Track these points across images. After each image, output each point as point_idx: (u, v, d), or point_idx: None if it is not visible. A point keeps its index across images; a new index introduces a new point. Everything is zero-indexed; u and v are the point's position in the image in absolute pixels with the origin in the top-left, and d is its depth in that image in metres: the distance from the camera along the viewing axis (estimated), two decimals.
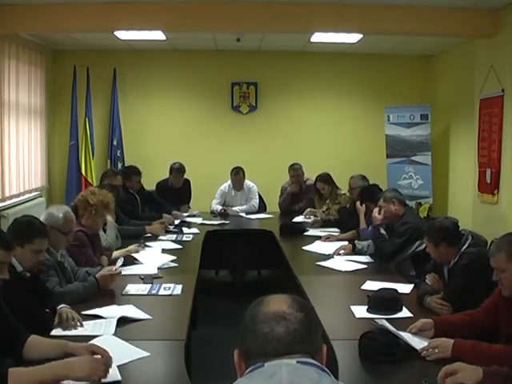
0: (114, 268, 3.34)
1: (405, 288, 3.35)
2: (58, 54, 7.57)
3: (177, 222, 5.77)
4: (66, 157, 7.43)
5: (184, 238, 5.07)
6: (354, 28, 5.72)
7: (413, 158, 7.22)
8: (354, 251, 4.35)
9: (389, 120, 7.47)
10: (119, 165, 7.46)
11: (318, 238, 4.97)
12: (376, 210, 4.30)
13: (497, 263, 2.36)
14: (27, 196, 6.69)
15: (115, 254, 4.06)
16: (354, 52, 7.52)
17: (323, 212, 5.91)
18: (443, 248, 3.03)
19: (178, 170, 6.38)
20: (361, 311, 2.94)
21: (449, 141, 7.19)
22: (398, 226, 4.14)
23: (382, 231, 4.24)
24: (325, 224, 5.64)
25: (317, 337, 1.23)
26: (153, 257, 4.12)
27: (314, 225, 5.64)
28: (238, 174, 6.48)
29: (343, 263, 4.09)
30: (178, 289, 3.32)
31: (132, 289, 3.30)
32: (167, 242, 4.86)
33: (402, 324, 2.60)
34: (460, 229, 3.14)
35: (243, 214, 6.43)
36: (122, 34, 6.23)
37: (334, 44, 6.89)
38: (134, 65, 7.69)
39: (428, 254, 3.20)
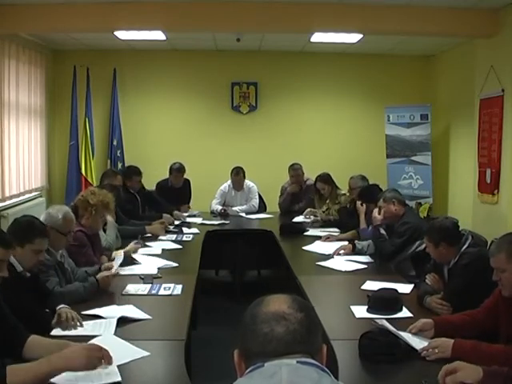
0: (114, 269, 3.34)
1: (405, 288, 3.35)
2: (57, 54, 7.57)
3: (177, 222, 5.78)
4: (66, 157, 7.43)
5: (184, 238, 5.07)
6: (353, 28, 5.72)
7: (413, 158, 7.22)
8: (354, 251, 4.35)
9: (389, 120, 7.48)
10: (119, 165, 7.46)
11: (318, 237, 4.97)
12: (376, 210, 4.30)
13: (497, 263, 2.36)
14: (27, 196, 6.69)
15: (115, 254, 4.05)
16: (354, 52, 7.52)
17: (323, 212, 5.91)
18: (443, 248, 3.03)
19: (177, 170, 6.38)
20: (361, 311, 2.94)
21: (449, 141, 7.20)
22: (398, 226, 4.14)
23: (382, 231, 4.24)
24: (325, 224, 5.64)
25: (317, 337, 1.23)
26: (150, 260, 4.09)
27: (313, 224, 5.65)
28: (238, 175, 6.48)
29: (343, 263, 4.09)
30: (177, 289, 3.31)
31: (132, 289, 3.30)
32: (167, 241, 4.86)
33: (402, 324, 2.60)
34: (460, 229, 3.14)
35: (243, 214, 6.43)
36: (122, 34, 6.23)
37: (334, 44, 6.89)
38: (134, 65, 7.69)
39: (428, 254, 3.20)
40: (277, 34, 6.54)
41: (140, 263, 3.94)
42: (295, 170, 6.47)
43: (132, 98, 7.74)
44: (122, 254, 3.75)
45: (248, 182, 6.62)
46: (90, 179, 7.33)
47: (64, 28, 5.64)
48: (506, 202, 5.34)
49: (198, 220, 6.08)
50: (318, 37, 6.41)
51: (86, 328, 2.60)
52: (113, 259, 3.80)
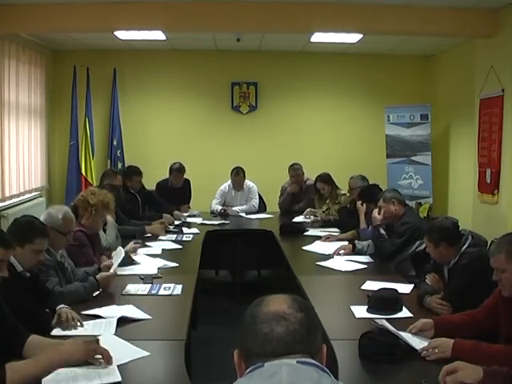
0: (113, 268, 3.34)
1: (405, 288, 3.35)
2: (57, 54, 7.57)
3: (177, 222, 5.78)
4: (66, 157, 7.43)
5: (184, 238, 5.07)
6: (354, 28, 5.72)
7: (413, 158, 7.22)
8: (354, 251, 4.35)
9: (389, 120, 7.48)
10: (119, 165, 7.46)
11: (318, 238, 4.97)
12: (376, 210, 4.30)
13: (497, 263, 2.36)
14: (27, 196, 6.69)
15: (114, 254, 4.05)
16: (354, 52, 7.52)
17: (323, 212, 5.91)
18: (443, 248, 3.03)
19: (177, 170, 6.38)
20: (361, 311, 2.94)
21: (449, 141, 7.20)
22: (398, 226, 4.14)
23: (382, 231, 4.24)
24: (325, 224, 5.64)
25: (317, 337, 1.23)
26: (150, 260, 4.08)
27: (313, 224, 5.65)
28: (238, 175, 6.48)
29: (343, 263, 4.09)
30: (177, 289, 3.31)
31: (132, 289, 3.30)
32: (167, 241, 4.86)
33: (402, 324, 2.60)
34: (460, 229, 3.14)
35: (243, 214, 6.43)
36: (122, 34, 6.23)
37: (334, 44, 6.89)
38: (134, 65, 7.69)
39: (428, 254, 3.20)
40: (277, 34, 6.54)
41: (139, 263, 3.93)
42: (295, 170, 6.47)
43: (132, 98, 7.74)
44: (122, 250, 3.70)
45: (248, 182, 6.62)
46: (90, 179, 7.33)
47: (64, 28, 5.64)
48: (506, 202, 5.34)
49: (198, 220, 6.08)
50: (318, 37, 6.41)
51: (86, 328, 2.60)
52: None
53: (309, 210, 6.05)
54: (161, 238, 4.98)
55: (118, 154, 7.56)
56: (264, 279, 6.42)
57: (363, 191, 5.01)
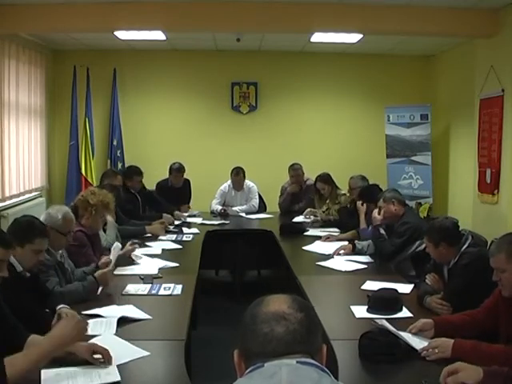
0: (110, 265, 3.33)
1: (405, 288, 3.35)
2: (57, 54, 7.57)
3: (177, 222, 5.78)
4: (66, 157, 7.43)
5: (184, 238, 5.07)
6: (354, 28, 5.72)
7: (413, 158, 7.22)
8: (354, 251, 4.35)
9: (389, 120, 7.47)
10: (119, 165, 7.46)
11: (318, 238, 4.97)
12: (376, 210, 4.30)
13: (497, 263, 2.36)
14: (27, 196, 6.69)
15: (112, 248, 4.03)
16: (354, 52, 7.52)
17: (323, 212, 5.91)
18: (443, 248, 3.03)
19: (177, 169, 6.38)
20: (361, 311, 2.94)
21: (449, 141, 7.19)
22: (398, 226, 4.14)
23: (382, 231, 4.24)
24: (325, 224, 5.64)
25: (317, 337, 1.23)
26: (150, 261, 4.07)
27: (313, 224, 5.65)
28: (238, 175, 6.48)
29: (343, 263, 4.09)
30: (177, 289, 3.32)
31: (132, 289, 3.30)
32: (167, 241, 4.86)
33: (402, 324, 2.60)
34: (460, 229, 3.14)
35: (243, 214, 6.43)
36: (122, 34, 6.23)
37: (334, 44, 6.89)
38: (134, 65, 7.69)
39: (428, 254, 3.20)
40: (277, 34, 6.54)
41: (139, 263, 3.93)
42: (295, 170, 6.47)
43: (132, 98, 7.74)
44: (119, 245, 3.68)
45: (248, 182, 6.62)
46: (90, 179, 7.33)
47: (64, 28, 5.64)
48: (506, 201, 5.34)
49: (198, 220, 6.08)
50: (318, 37, 6.41)
51: None
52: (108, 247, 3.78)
53: (309, 210, 6.04)
54: (161, 237, 4.98)
55: (118, 154, 7.56)
56: (264, 279, 6.42)
57: (363, 191, 5.01)
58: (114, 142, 7.53)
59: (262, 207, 6.79)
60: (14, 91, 6.27)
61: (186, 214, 6.19)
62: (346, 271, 3.90)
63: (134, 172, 5.83)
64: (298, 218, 6.02)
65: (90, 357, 2.16)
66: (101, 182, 5.49)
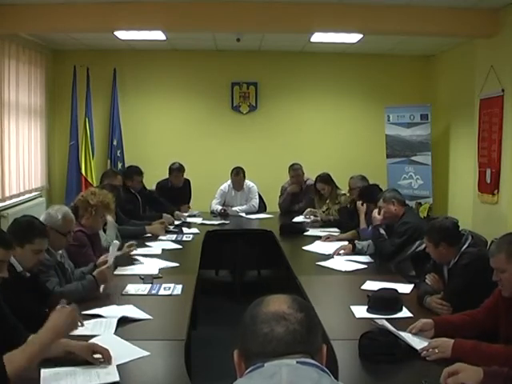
0: (109, 263, 3.32)
1: (405, 288, 3.35)
2: (57, 54, 7.57)
3: (177, 222, 5.77)
4: (66, 157, 7.43)
5: (184, 238, 5.07)
6: (353, 28, 5.72)
7: (413, 158, 7.22)
8: (354, 251, 4.35)
9: (389, 120, 7.48)
10: (119, 165, 7.46)
11: (318, 238, 4.97)
12: (376, 210, 4.30)
13: (497, 263, 2.36)
14: (27, 196, 6.69)
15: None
16: (354, 52, 7.52)
17: (323, 212, 5.91)
18: (443, 248, 3.03)
19: (177, 169, 6.38)
20: (361, 311, 2.94)
21: (449, 141, 7.20)
22: (398, 226, 4.14)
23: (382, 231, 4.24)
24: (325, 224, 5.64)
25: (317, 337, 1.23)
26: (150, 261, 4.07)
27: (313, 224, 5.65)
28: (238, 175, 6.48)
29: (343, 263, 4.09)
30: (177, 289, 3.32)
31: (132, 289, 3.30)
32: (167, 241, 4.86)
33: (402, 324, 2.60)
34: (460, 229, 3.14)
35: (243, 214, 6.43)
36: (122, 34, 6.23)
37: (334, 44, 6.89)
38: (134, 65, 7.69)
39: (428, 254, 3.19)
40: (277, 34, 6.54)
41: (142, 263, 3.94)
42: (295, 170, 6.47)
43: (132, 98, 7.74)
44: (117, 243, 3.66)
45: (248, 182, 6.62)
46: (90, 179, 7.33)
47: (64, 28, 5.64)
48: (506, 202, 5.34)
49: (198, 220, 6.08)
50: (318, 37, 6.41)
51: (87, 327, 2.59)
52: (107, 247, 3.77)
53: (309, 210, 6.04)
54: (161, 238, 4.98)
55: (118, 154, 7.56)
56: (264, 279, 6.42)
57: (363, 191, 5.01)
58: (114, 142, 7.53)
59: (262, 207, 6.79)
60: (14, 91, 6.27)
61: (186, 214, 6.19)
62: (345, 271, 3.90)
63: (134, 172, 5.83)
64: (298, 218, 6.02)
65: (90, 356, 2.17)
66: (101, 182, 5.49)
